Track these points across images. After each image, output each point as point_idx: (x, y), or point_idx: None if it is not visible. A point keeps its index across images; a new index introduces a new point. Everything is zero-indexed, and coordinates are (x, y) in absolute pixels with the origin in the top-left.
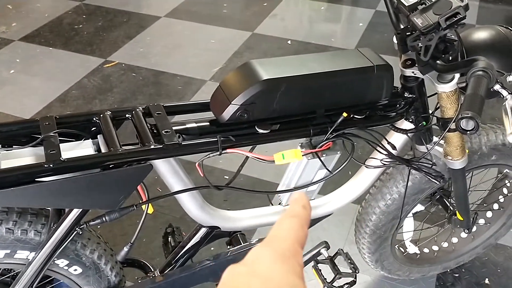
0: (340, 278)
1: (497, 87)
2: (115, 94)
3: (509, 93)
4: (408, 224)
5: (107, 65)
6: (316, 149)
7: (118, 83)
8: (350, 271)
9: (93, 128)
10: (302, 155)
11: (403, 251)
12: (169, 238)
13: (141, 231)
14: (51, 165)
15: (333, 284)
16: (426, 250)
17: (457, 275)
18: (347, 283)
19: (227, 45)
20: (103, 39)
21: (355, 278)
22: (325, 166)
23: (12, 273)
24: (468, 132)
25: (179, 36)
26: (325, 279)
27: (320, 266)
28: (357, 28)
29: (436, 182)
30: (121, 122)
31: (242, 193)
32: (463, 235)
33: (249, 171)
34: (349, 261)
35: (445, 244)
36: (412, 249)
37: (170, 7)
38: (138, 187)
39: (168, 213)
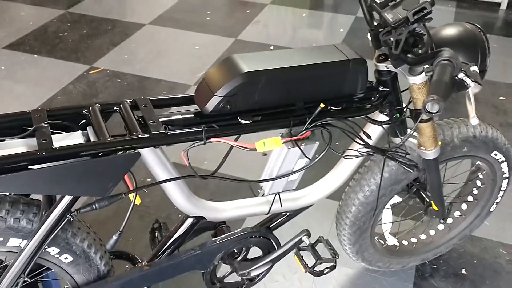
0: (321, 263)
1: (461, 75)
2: (101, 100)
3: (472, 81)
4: (387, 216)
5: (92, 71)
6: (296, 137)
7: (103, 88)
8: (330, 257)
9: (83, 121)
10: (282, 143)
11: (382, 243)
12: (156, 234)
13: (128, 231)
14: (43, 153)
15: (314, 269)
16: (405, 242)
17: (435, 266)
18: (327, 268)
19: (210, 51)
20: (88, 46)
21: (335, 262)
22: (304, 154)
23: (3, 264)
24: (433, 114)
25: (163, 42)
26: (307, 264)
27: (302, 253)
28: (338, 33)
29: (410, 170)
30: (109, 115)
31: (227, 192)
32: (440, 227)
33: (234, 171)
34: (329, 247)
35: (423, 236)
36: (391, 241)
37: (154, 14)
38: (126, 178)
39: (154, 212)
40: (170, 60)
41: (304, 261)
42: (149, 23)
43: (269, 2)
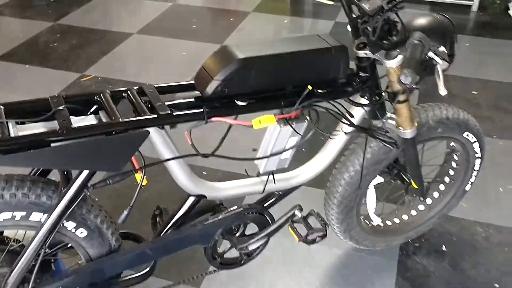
0: (312, 233)
1: (430, 54)
2: None
3: (440, 59)
4: (371, 196)
5: (84, 78)
6: (287, 115)
7: None
8: (321, 227)
9: (95, 106)
10: (276, 120)
11: (368, 223)
12: (158, 219)
13: (128, 223)
14: (64, 132)
15: (307, 238)
16: (388, 222)
17: (417, 245)
18: (319, 236)
19: (197, 57)
20: (78, 55)
21: (326, 232)
22: (295, 130)
23: (20, 243)
24: (407, 85)
25: (151, 50)
26: (300, 234)
27: (295, 225)
28: None
29: (390, 147)
30: (119, 100)
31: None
32: (421, 207)
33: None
34: (320, 218)
35: (405, 217)
36: (376, 220)
37: (141, 24)
38: (133, 160)
39: (153, 206)
40: (159, 66)
41: (298, 232)
42: (137, 32)
43: (251, 10)
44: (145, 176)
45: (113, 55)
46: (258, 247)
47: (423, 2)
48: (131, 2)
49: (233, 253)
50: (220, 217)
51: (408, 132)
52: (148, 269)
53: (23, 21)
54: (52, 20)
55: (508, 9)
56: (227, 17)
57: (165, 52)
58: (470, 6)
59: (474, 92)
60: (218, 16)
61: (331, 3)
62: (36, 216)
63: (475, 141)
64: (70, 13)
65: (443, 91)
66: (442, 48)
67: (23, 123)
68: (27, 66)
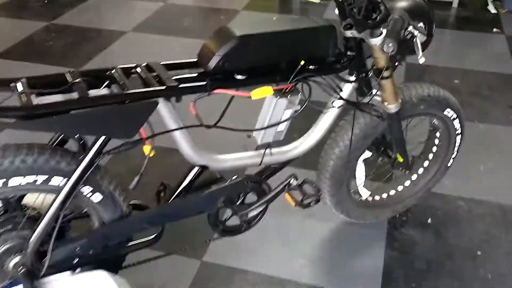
0: (307, 198)
1: (410, 28)
2: None
3: (418, 32)
4: (360, 170)
5: None
6: (282, 86)
7: None
8: (315, 192)
9: (107, 81)
10: (273, 91)
11: (358, 197)
12: (161, 194)
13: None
14: (82, 100)
15: (303, 203)
16: (377, 197)
17: (404, 218)
18: (313, 200)
19: (191, 51)
20: (75, 52)
21: (319, 197)
22: (290, 102)
23: (37, 211)
24: (390, 53)
25: (146, 46)
26: (296, 200)
27: (291, 192)
28: None
29: (377, 118)
30: (128, 76)
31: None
32: (407, 183)
33: None
34: (313, 185)
35: (392, 192)
36: (365, 194)
37: (134, 23)
38: (142, 131)
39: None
40: (154, 60)
41: (294, 197)
42: (131, 30)
43: (241, 8)
44: (153, 149)
45: (109, 52)
46: (257, 215)
47: None
48: (124, 3)
49: (234, 221)
50: (223, 185)
51: (393, 107)
52: (156, 234)
53: (19, 21)
54: (48, 20)
55: (487, 4)
56: (217, 15)
57: (159, 48)
58: (451, 2)
59: (456, 81)
60: (209, 15)
61: (318, 1)
62: (56, 181)
63: (455, 118)
64: (64, 14)
65: (421, 60)
66: (420, 24)
67: (42, 94)
68: (26, 63)
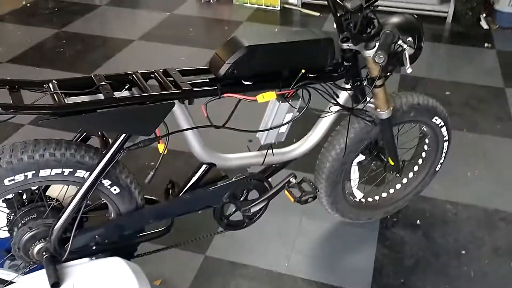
0: (305, 195)
1: (400, 42)
2: None
3: (407, 46)
4: (354, 172)
5: None
6: (285, 91)
7: None
8: (312, 190)
9: (128, 84)
10: (276, 95)
11: (352, 198)
12: (170, 191)
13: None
14: (108, 100)
15: (301, 199)
16: (370, 199)
17: (395, 219)
18: (310, 197)
19: (196, 61)
20: (84, 59)
21: (316, 194)
22: (292, 105)
23: (60, 202)
24: (380, 63)
25: (153, 54)
26: (295, 196)
27: (290, 189)
28: None
29: (370, 124)
30: (147, 80)
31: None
32: (398, 186)
33: None
34: (311, 184)
35: (384, 194)
36: (358, 195)
37: (141, 32)
38: (157, 132)
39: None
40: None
41: (293, 194)
42: (138, 39)
43: (244, 19)
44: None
45: (117, 59)
46: (258, 211)
47: (402, 13)
48: (131, 13)
49: (237, 217)
50: (229, 181)
51: (385, 113)
52: (166, 226)
53: (30, 28)
54: (58, 28)
55: (480, 20)
56: (221, 26)
57: (165, 56)
58: (445, 17)
59: (448, 93)
60: (213, 25)
61: (317, 14)
62: (80, 173)
63: (442, 125)
64: (73, 22)
65: (409, 70)
66: (409, 38)
67: (71, 95)
68: (37, 68)
